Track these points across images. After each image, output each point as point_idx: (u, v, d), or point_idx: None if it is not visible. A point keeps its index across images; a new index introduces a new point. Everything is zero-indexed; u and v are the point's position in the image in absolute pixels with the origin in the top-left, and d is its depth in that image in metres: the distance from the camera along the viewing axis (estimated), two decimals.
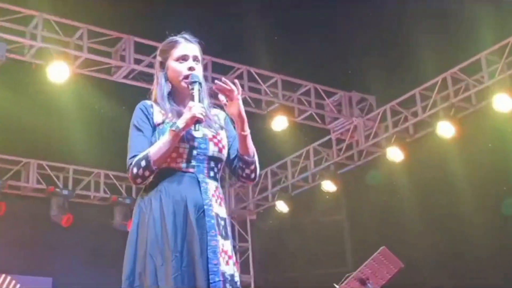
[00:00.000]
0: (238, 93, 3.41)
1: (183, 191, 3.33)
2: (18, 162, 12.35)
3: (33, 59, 9.59)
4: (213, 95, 3.55)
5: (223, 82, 3.41)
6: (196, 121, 3.30)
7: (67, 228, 12.28)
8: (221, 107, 3.54)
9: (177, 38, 3.59)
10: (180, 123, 3.30)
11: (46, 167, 12.52)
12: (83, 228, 12.47)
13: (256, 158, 3.52)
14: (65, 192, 12.42)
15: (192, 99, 3.38)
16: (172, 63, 3.52)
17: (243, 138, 3.46)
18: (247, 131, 3.45)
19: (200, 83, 3.41)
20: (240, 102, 3.43)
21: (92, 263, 12.00)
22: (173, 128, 3.29)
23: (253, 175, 3.55)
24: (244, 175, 3.54)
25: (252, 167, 3.52)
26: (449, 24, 9.70)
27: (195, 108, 3.31)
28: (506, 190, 10.03)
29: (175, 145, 3.33)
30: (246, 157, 3.49)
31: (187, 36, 3.59)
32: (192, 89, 3.40)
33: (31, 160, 12.38)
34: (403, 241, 10.00)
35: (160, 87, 3.53)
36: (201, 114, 3.31)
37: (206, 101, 3.49)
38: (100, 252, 12.08)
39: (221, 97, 3.45)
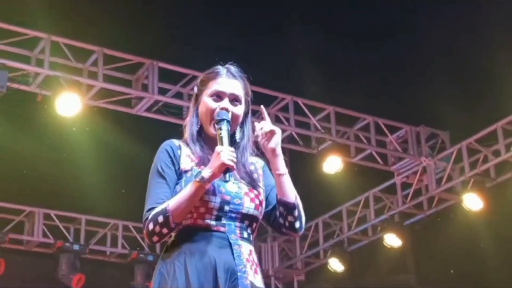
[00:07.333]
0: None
1: (211, 254, 3.33)
2: (21, 211, 12.55)
3: (39, 89, 9.80)
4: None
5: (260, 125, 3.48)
6: (226, 169, 3.29)
7: None
8: (258, 154, 3.61)
9: (220, 69, 3.60)
10: (206, 172, 3.29)
11: (54, 217, 12.69)
12: None
13: (299, 203, 3.49)
14: (76, 247, 12.53)
15: (220, 142, 3.37)
16: (205, 98, 3.54)
17: (280, 179, 3.46)
18: (284, 170, 3.45)
19: (228, 121, 3.42)
20: (279, 136, 3.47)
21: None
22: (198, 179, 3.29)
23: (297, 224, 3.49)
24: (286, 224, 3.48)
25: (296, 213, 3.48)
26: None
27: (224, 154, 3.29)
28: None
29: (200, 198, 3.34)
30: (286, 199, 3.45)
31: (232, 69, 3.60)
32: (220, 128, 3.39)
33: (36, 209, 12.55)
34: None
35: (190, 125, 3.58)
36: (231, 161, 3.29)
37: (248, 152, 3.59)
38: None
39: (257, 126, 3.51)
